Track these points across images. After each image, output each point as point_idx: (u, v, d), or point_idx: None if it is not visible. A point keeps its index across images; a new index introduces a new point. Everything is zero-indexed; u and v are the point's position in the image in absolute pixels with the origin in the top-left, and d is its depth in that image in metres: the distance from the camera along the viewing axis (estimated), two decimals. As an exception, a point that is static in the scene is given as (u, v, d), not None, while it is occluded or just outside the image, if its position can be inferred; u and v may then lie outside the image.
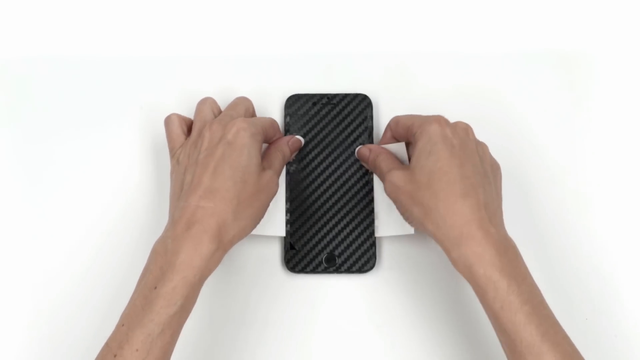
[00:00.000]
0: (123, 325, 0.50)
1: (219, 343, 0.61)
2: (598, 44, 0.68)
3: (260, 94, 0.66)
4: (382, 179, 0.58)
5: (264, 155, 0.59)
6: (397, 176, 0.56)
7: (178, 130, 0.60)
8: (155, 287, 0.50)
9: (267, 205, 0.57)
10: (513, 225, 0.63)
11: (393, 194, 0.57)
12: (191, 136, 0.59)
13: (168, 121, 0.61)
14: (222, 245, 0.53)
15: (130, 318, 0.50)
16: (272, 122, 0.61)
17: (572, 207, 0.64)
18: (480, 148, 0.57)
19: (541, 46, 0.68)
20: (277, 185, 0.58)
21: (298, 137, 0.63)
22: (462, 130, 0.56)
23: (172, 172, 0.59)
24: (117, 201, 0.64)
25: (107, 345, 0.50)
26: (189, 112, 0.64)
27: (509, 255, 0.51)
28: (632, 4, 0.69)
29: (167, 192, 0.62)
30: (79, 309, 0.62)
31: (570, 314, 0.60)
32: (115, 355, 0.49)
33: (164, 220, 0.63)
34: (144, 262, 0.62)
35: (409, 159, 0.59)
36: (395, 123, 0.61)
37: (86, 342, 0.58)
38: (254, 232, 0.62)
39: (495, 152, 0.64)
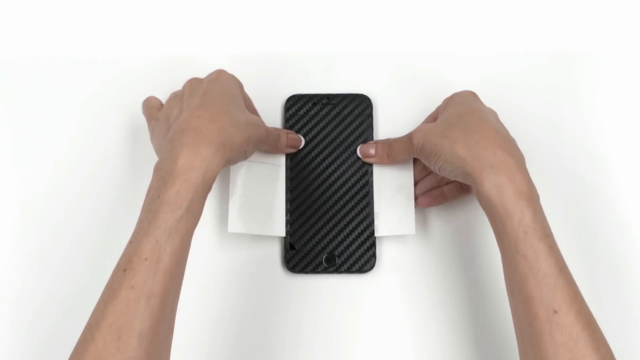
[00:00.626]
0: (131, 242, 0.49)
1: (219, 343, 0.61)
2: (599, 44, 0.68)
3: (260, 94, 0.66)
4: (405, 146, 0.59)
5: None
6: (426, 125, 0.58)
7: (155, 100, 0.60)
8: (159, 197, 0.49)
9: (255, 142, 0.56)
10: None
11: (422, 139, 0.56)
12: (173, 95, 0.58)
13: (145, 100, 0.60)
14: (223, 148, 0.51)
15: (137, 232, 0.49)
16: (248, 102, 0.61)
17: (571, 207, 0.64)
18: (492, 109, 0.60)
19: (541, 46, 0.68)
20: (263, 129, 0.57)
21: (299, 136, 0.63)
22: (470, 94, 0.60)
23: (152, 133, 0.58)
24: (117, 201, 0.64)
25: (118, 264, 0.49)
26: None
27: (533, 192, 0.52)
28: (633, 4, 0.69)
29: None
30: (75, 306, 0.62)
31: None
32: (125, 270, 0.47)
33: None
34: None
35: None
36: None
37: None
38: (254, 232, 0.62)
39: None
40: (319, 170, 0.64)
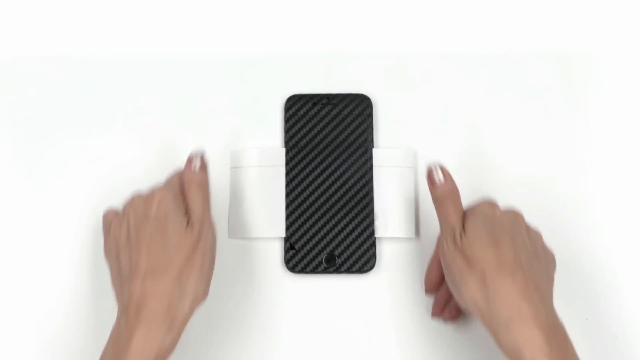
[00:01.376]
0: None
1: (218, 343, 0.61)
2: (598, 44, 0.68)
3: (260, 94, 0.66)
4: (447, 228, 0.55)
5: (185, 203, 0.56)
6: (462, 241, 0.53)
7: (110, 212, 0.58)
8: None
9: (212, 258, 0.55)
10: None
11: (446, 253, 0.54)
12: (116, 219, 0.57)
13: (103, 217, 0.59)
14: (176, 326, 0.51)
15: None
16: (177, 173, 0.58)
17: (572, 207, 0.64)
18: (532, 233, 0.56)
19: (541, 46, 0.68)
20: (209, 232, 0.55)
21: (195, 153, 0.57)
22: (512, 214, 0.55)
23: (105, 253, 0.57)
24: (116, 200, 0.64)
25: None
26: (187, 113, 0.64)
27: (557, 338, 0.50)
28: (632, 4, 0.69)
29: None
30: (77, 310, 0.62)
31: (570, 314, 0.59)
32: None
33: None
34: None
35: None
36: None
37: (80, 342, 0.58)
38: (254, 234, 0.62)
39: (495, 152, 0.65)
40: (319, 170, 0.64)
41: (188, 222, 0.54)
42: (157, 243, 0.53)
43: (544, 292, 0.52)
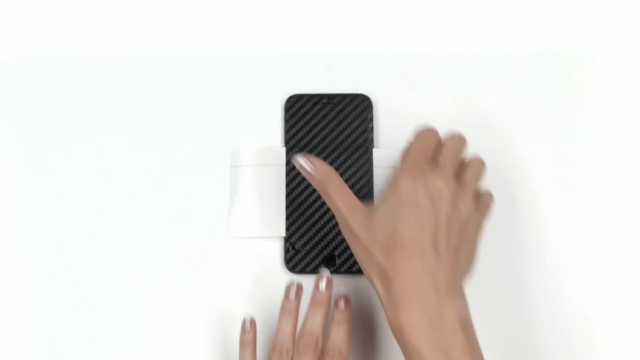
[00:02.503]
0: None
1: (218, 343, 0.61)
2: (598, 44, 0.68)
3: (260, 94, 0.66)
4: (337, 212, 0.55)
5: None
6: (359, 222, 0.54)
7: None
8: None
9: None
10: (512, 225, 0.63)
11: (348, 237, 0.55)
12: None
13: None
14: None
15: None
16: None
17: (572, 207, 0.64)
18: (462, 202, 0.54)
19: (541, 46, 0.68)
20: None
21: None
22: (436, 185, 0.53)
23: None
24: (117, 201, 0.64)
25: None
26: (187, 113, 0.64)
27: (445, 326, 0.50)
28: (632, 3, 0.69)
29: (167, 191, 0.62)
30: (75, 309, 0.62)
31: (570, 314, 0.60)
32: None
33: (164, 218, 0.63)
34: (143, 261, 0.62)
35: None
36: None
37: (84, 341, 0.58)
38: (254, 232, 0.62)
39: (494, 152, 0.65)
40: (319, 170, 0.64)
41: None
42: None
43: (448, 278, 0.51)
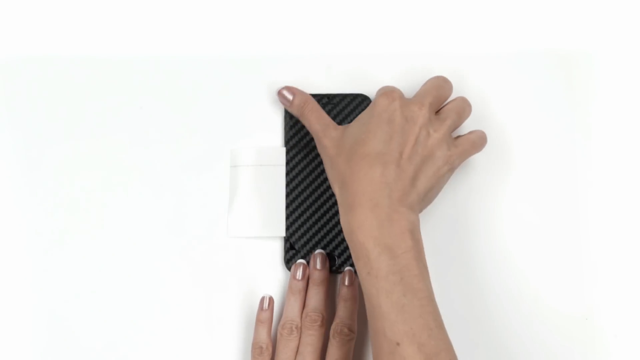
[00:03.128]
0: None
1: (218, 343, 0.61)
2: (598, 44, 0.68)
3: (260, 94, 0.66)
4: (313, 132, 0.61)
5: None
6: (329, 139, 0.59)
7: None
8: None
9: None
10: (512, 224, 0.63)
11: (321, 152, 0.60)
12: None
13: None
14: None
15: None
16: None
17: (572, 207, 0.64)
18: (434, 130, 0.57)
19: (541, 46, 0.68)
20: None
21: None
22: (411, 109, 0.57)
23: None
24: (117, 201, 0.64)
25: None
26: (187, 113, 0.64)
27: (394, 228, 0.52)
28: (632, 3, 0.69)
29: (166, 192, 0.62)
30: (75, 309, 0.62)
31: (570, 314, 0.60)
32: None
33: (163, 219, 0.63)
34: (143, 261, 0.62)
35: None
36: None
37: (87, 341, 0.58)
38: (254, 232, 0.62)
39: (494, 151, 0.65)
40: (319, 170, 0.64)
41: None
42: None
43: (401, 188, 0.54)
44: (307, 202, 0.63)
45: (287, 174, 0.64)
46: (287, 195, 0.63)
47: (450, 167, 0.58)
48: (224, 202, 0.64)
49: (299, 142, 0.64)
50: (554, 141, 0.65)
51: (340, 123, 0.64)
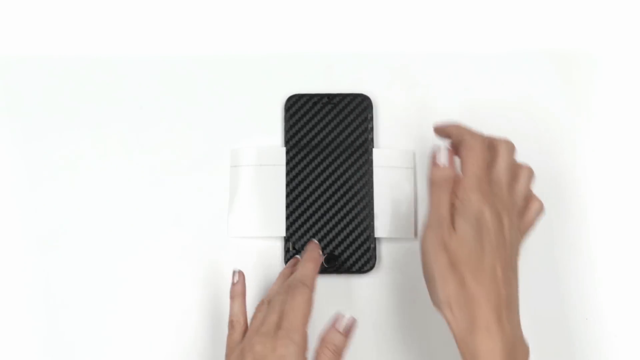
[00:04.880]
0: None
1: (218, 343, 0.61)
2: (598, 44, 0.68)
3: (260, 94, 0.66)
4: (432, 216, 0.53)
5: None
6: (446, 235, 0.52)
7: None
8: None
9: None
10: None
11: (430, 252, 0.53)
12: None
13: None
14: None
15: None
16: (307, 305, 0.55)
17: (572, 207, 0.64)
18: (514, 240, 0.53)
19: (541, 46, 0.68)
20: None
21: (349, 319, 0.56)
22: (498, 220, 0.52)
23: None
24: (117, 201, 0.64)
25: None
26: (187, 113, 0.64)
27: (517, 356, 0.50)
28: (633, 3, 0.69)
29: (166, 191, 0.62)
30: (75, 309, 0.62)
31: (570, 314, 0.60)
32: None
33: (163, 218, 0.63)
34: (143, 261, 0.62)
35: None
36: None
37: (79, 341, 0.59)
38: (254, 232, 0.63)
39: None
40: (319, 170, 0.64)
41: None
42: None
43: (513, 308, 0.52)
44: (307, 202, 0.63)
45: (287, 174, 0.64)
46: (287, 195, 0.63)
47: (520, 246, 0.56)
48: (224, 202, 0.64)
49: (299, 142, 0.64)
50: (554, 141, 0.65)
51: (340, 123, 0.64)
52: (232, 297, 0.58)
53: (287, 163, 0.64)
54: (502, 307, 0.50)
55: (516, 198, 0.54)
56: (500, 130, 0.65)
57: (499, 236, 0.51)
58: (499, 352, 0.49)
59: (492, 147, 0.55)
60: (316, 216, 0.63)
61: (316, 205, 0.63)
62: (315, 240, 0.62)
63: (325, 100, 0.65)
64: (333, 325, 0.54)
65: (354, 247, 0.62)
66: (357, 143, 0.64)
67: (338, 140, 0.64)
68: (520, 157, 0.65)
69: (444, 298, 0.51)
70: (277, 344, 0.52)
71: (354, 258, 0.62)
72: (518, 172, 0.55)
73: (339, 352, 0.54)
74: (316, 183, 0.64)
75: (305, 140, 0.64)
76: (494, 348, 0.49)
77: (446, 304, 0.51)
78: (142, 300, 0.62)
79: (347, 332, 0.55)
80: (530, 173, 0.56)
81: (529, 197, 0.55)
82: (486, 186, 0.52)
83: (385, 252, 0.63)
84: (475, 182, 0.52)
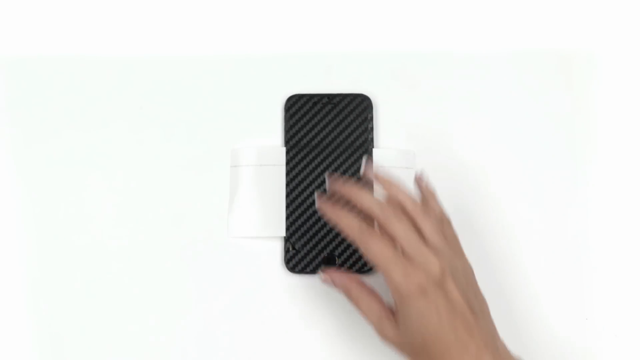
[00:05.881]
0: None
1: (218, 343, 0.61)
2: (598, 43, 0.68)
3: (260, 94, 0.66)
4: (369, 321, 0.55)
5: None
6: (390, 333, 0.54)
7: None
8: None
9: None
10: (513, 225, 0.63)
11: (389, 346, 0.55)
12: None
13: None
14: None
15: None
16: None
17: (571, 207, 0.64)
18: (461, 274, 0.54)
19: (541, 46, 0.68)
20: None
21: None
22: (442, 284, 0.52)
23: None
24: (117, 201, 0.64)
25: None
26: (187, 113, 0.64)
27: None
28: (632, 2, 0.69)
29: (166, 191, 0.62)
30: (76, 309, 0.62)
31: (570, 314, 0.60)
32: None
33: (164, 218, 0.63)
34: (143, 261, 0.62)
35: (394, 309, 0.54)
36: (365, 251, 0.54)
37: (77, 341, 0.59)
38: (254, 232, 0.63)
39: (494, 151, 0.65)
40: (319, 170, 0.64)
41: None
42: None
43: (494, 343, 0.52)
44: (307, 202, 0.63)
45: (287, 174, 0.64)
46: (287, 195, 0.63)
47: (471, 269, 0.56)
48: (224, 202, 0.64)
49: (299, 142, 0.64)
50: (554, 141, 0.65)
51: (340, 123, 0.64)
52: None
53: (287, 163, 0.64)
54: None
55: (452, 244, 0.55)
56: (500, 130, 0.66)
57: (450, 302, 0.51)
58: None
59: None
60: (316, 216, 0.63)
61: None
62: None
63: (325, 100, 0.65)
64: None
65: (354, 247, 0.62)
66: (357, 143, 0.64)
67: (338, 140, 0.64)
68: (521, 157, 0.65)
69: None
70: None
71: (354, 258, 0.62)
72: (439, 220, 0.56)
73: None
74: (316, 183, 0.64)
75: (305, 140, 0.64)
76: None
77: None
78: (141, 300, 0.62)
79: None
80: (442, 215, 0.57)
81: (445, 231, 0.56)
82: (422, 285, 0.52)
83: (385, 252, 0.63)
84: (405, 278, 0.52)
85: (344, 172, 0.64)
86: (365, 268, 0.62)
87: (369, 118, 0.65)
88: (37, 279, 0.63)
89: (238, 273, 0.63)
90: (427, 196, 0.57)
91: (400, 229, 0.53)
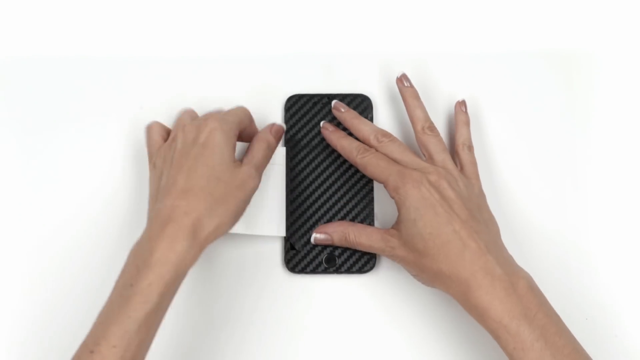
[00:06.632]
0: (100, 322, 0.50)
1: (218, 343, 0.61)
2: (598, 43, 0.68)
3: (260, 94, 0.66)
4: (376, 248, 0.59)
5: (247, 150, 0.59)
6: (396, 244, 0.57)
7: (157, 137, 0.60)
8: (132, 285, 0.50)
9: (246, 202, 0.57)
10: (513, 224, 0.63)
11: (399, 263, 0.59)
12: (167, 140, 0.59)
13: (148, 129, 0.61)
14: (198, 242, 0.52)
15: (107, 315, 0.50)
16: (244, 112, 0.61)
17: (571, 207, 0.64)
18: (461, 185, 0.58)
19: (541, 46, 0.68)
20: (255, 179, 0.57)
21: (279, 123, 0.62)
22: (437, 182, 0.57)
23: (150, 177, 0.59)
24: (117, 200, 0.64)
25: (84, 342, 0.50)
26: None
27: (518, 292, 0.52)
28: (632, 2, 0.69)
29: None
30: (60, 305, 0.62)
31: (570, 314, 0.59)
32: (92, 352, 0.49)
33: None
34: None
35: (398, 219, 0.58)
36: (363, 168, 0.59)
37: (64, 340, 0.58)
38: (255, 232, 0.62)
39: (494, 152, 0.65)
40: (319, 170, 0.64)
41: (242, 163, 0.57)
42: (198, 167, 0.55)
43: (495, 249, 0.55)
44: (307, 202, 0.63)
45: (287, 173, 0.64)
46: (287, 195, 0.63)
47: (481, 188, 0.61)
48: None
49: (299, 142, 0.64)
50: (554, 141, 0.65)
51: (340, 123, 0.64)
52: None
53: (288, 163, 0.64)
54: (488, 256, 0.53)
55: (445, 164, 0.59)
56: (500, 129, 0.66)
57: (446, 200, 0.56)
58: (497, 300, 0.52)
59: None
60: (316, 216, 0.63)
61: (316, 205, 0.63)
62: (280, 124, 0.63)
63: (325, 100, 0.65)
64: (269, 128, 0.61)
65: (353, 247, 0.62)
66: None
67: (338, 140, 0.64)
68: (520, 156, 0.65)
69: (437, 270, 0.55)
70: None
71: (354, 258, 0.62)
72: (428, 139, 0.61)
73: (271, 148, 0.60)
74: (316, 183, 0.64)
75: (305, 140, 0.64)
76: (492, 299, 0.52)
77: (437, 286, 0.56)
78: (142, 300, 0.62)
79: (277, 135, 0.61)
80: (439, 139, 0.61)
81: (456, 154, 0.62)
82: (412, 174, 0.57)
83: (385, 252, 0.63)
84: (400, 174, 0.57)
85: (344, 172, 0.64)
86: (365, 268, 0.62)
87: (369, 118, 0.65)
88: (37, 279, 0.62)
89: (238, 273, 0.62)
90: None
91: (394, 147, 0.59)
